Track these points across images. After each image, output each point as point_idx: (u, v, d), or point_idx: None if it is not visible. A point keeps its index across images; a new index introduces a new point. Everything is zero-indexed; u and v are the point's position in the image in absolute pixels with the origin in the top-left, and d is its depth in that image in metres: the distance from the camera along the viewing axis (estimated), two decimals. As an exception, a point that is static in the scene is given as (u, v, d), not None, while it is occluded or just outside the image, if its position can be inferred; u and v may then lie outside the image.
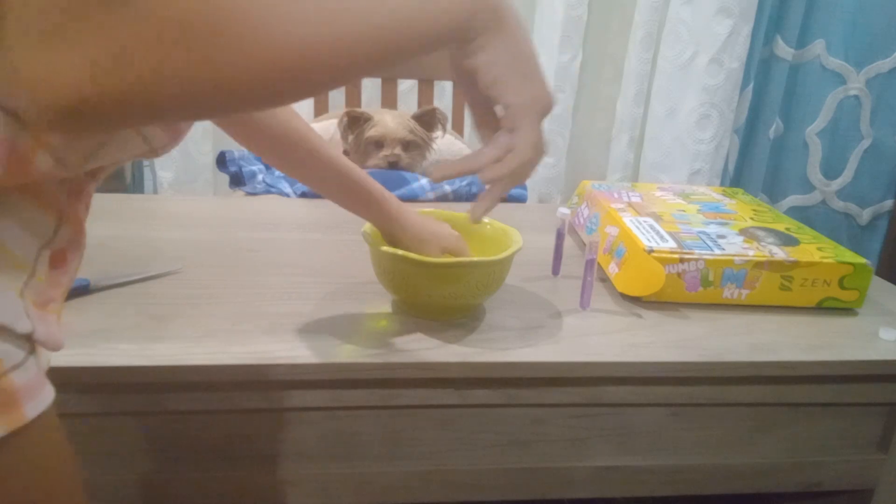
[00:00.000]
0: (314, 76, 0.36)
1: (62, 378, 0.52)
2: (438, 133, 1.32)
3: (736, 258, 0.82)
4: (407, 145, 1.27)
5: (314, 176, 0.74)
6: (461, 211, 0.84)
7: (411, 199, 1.19)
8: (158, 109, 0.34)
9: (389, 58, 0.39)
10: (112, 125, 0.37)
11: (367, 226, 0.77)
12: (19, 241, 0.41)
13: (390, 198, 0.75)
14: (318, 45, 0.35)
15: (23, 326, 0.41)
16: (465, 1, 0.43)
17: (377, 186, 0.75)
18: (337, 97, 1.53)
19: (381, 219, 0.75)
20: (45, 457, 0.44)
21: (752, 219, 0.98)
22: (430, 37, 0.42)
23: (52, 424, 0.43)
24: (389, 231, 0.75)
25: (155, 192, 1.62)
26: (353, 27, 0.37)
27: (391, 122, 1.27)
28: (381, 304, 0.79)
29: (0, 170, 0.36)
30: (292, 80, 0.35)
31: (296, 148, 0.69)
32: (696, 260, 0.82)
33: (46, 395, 0.43)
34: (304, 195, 1.19)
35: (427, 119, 1.30)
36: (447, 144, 1.36)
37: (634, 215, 0.94)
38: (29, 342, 0.42)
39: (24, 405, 0.41)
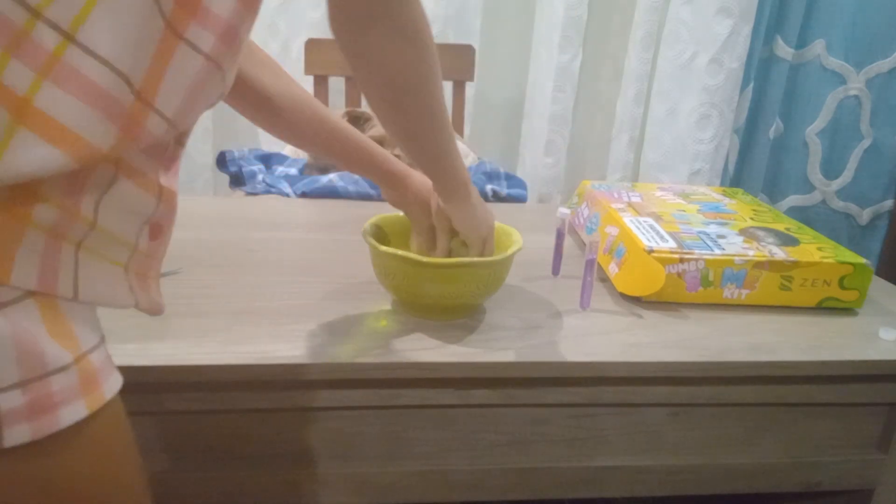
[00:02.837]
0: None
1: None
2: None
3: (736, 258, 0.82)
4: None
5: (319, 141, 0.75)
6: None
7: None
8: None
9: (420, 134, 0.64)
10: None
11: (367, 226, 0.77)
12: (124, 224, 0.44)
13: (393, 159, 0.77)
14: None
15: (125, 301, 0.45)
16: (463, 176, 0.69)
17: (379, 149, 0.76)
18: (337, 97, 1.53)
19: (384, 176, 0.77)
20: (118, 436, 0.46)
21: (752, 219, 0.98)
22: (438, 153, 0.66)
23: (121, 407, 0.46)
24: (393, 188, 0.77)
25: (155, 192, 1.62)
26: (427, 110, 0.62)
27: (391, 122, 1.27)
28: (381, 304, 0.79)
29: (117, 131, 0.39)
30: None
31: (301, 115, 0.72)
32: (696, 260, 0.82)
33: (118, 377, 0.45)
34: (304, 195, 1.19)
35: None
36: (447, 144, 1.36)
37: (634, 215, 0.94)
38: (100, 328, 0.45)
39: (103, 385, 0.43)
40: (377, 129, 1.26)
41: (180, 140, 0.48)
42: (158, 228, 0.47)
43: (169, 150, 0.47)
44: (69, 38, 0.36)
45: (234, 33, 0.44)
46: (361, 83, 0.59)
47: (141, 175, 0.44)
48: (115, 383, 0.45)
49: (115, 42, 0.38)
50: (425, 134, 0.63)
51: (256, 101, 0.69)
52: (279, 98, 0.69)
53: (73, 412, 0.40)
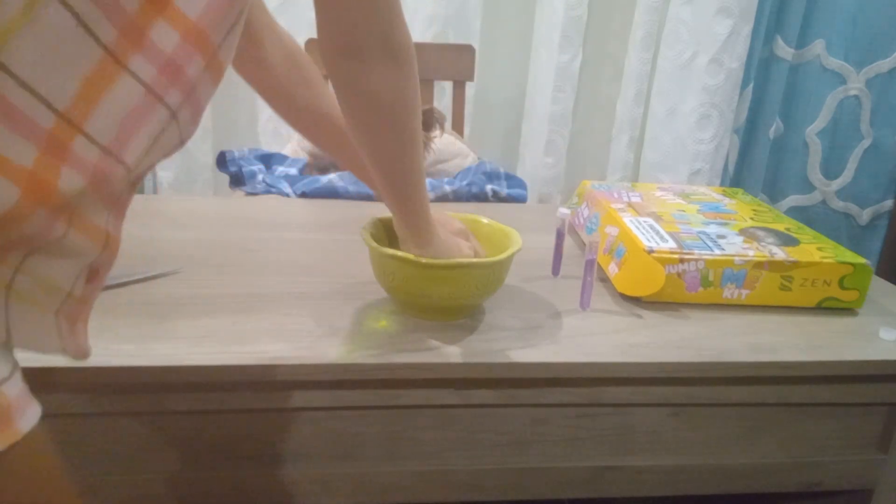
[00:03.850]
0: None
1: (62, 378, 0.52)
2: (437, 133, 1.32)
3: (736, 258, 0.82)
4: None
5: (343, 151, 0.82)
6: (460, 212, 0.84)
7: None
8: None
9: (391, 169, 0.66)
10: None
11: (366, 226, 0.77)
12: (62, 271, 0.43)
13: None
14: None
15: (53, 347, 0.44)
16: (428, 213, 0.70)
17: None
18: (337, 97, 1.53)
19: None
20: (39, 472, 0.44)
21: (752, 219, 0.98)
22: (405, 201, 0.69)
23: (43, 439, 0.43)
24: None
25: (155, 192, 1.62)
26: (397, 161, 0.65)
27: (391, 122, 1.26)
28: (381, 304, 0.79)
29: (34, 150, 0.39)
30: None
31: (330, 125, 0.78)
32: (696, 260, 0.82)
33: (36, 410, 0.43)
34: (304, 195, 1.19)
35: (425, 119, 1.29)
36: (446, 144, 1.36)
37: (634, 215, 0.94)
38: (12, 356, 0.42)
39: (17, 420, 0.41)
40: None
41: (133, 185, 0.48)
42: (95, 272, 0.46)
43: (123, 196, 0.47)
44: None
45: (177, 68, 0.44)
46: (350, 109, 0.61)
47: (93, 228, 0.44)
48: (32, 416, 0.42)
49: (37, 64, 0.38)
50: (403, 159, 0.64)
51: (289, 110, 0.78)
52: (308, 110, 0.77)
53: None
